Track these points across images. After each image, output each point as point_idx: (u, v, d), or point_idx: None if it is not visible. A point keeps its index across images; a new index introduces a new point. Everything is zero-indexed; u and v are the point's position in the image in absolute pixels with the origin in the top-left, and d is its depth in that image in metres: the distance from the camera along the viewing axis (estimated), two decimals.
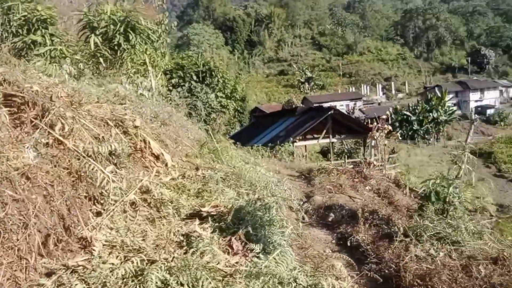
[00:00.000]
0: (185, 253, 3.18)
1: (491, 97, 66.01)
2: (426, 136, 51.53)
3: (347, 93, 68.78)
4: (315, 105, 51.17)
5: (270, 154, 14.04)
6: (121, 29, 9.98)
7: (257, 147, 14.85)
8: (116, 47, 10.33)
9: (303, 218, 5.32)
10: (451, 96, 59.07)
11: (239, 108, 48.56)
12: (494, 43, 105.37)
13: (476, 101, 64.77)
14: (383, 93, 75.56)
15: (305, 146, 24.08)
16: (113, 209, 3.44)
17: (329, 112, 20.98)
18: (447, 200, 4.98)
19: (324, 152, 37.39)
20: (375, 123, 11.22)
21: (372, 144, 11.84)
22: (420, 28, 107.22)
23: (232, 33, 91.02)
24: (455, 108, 57.00)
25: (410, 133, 50.23)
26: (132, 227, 3.45)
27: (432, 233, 4.43)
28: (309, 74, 73.51)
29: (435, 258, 3.95)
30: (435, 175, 5.45)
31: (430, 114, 50.96)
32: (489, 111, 60.80)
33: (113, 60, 10.70)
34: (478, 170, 41.59)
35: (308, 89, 70.97)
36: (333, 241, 5.09)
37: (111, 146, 3.84)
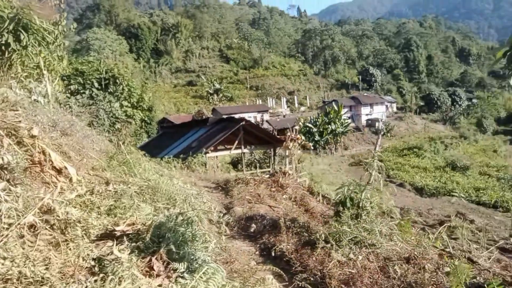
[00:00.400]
0: (101, 281, 2.77)
1: (379, 111, 74.22)
2: (326, 147, 55.55)
3: (254, 105, 70.87)
4: (224, 116, 51.61)
5: (183, 166, 13.57)
6: (10, 27, 8.74)
7: (168, 158, 14.26)
8: (3, 48, 9.02)
9: (225, 231, 5.14)
10: (346, 110, 64.78)
11: (146, 118, 46.48)
12: (380, 64, 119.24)
13: (367, 114, 72.18)
14: (287, 106, 79.64)
15: (216, 157, 23.99)
16: (7, 234, 2.85)
17: (241, 123, 21.21)
18: (361, 205, 5.29)
19: (235, 163, 37.71)
20: (289, 134, 11.65)
21: (286, 154, 12.26)
22: (318, 47, 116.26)
23: (137, 40, 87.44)
24: (349, 121, 62.69)
25: (312, 144, 53.56)
26: (32, 255, 2.91)
27: (350, 238, 4.62)
28: (217, 86, 74.05)
29: (355, 262, 4.11)
30: (349, 182, 5.75)
31: (329, 126, 55.17)
32: (378, 124, 68.26)
33: None
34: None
35: (217, 101, 71.34)
36: (257, 252, 4.99)
37: (2, 158, 3.23)
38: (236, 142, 21.99)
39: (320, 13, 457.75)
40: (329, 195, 8.66)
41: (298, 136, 11.68)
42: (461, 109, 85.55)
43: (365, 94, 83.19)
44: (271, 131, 42.24)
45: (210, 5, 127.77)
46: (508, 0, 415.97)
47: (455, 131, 72.39)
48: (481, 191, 32.49)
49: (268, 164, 34.00)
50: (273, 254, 4.75)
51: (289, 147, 11.29)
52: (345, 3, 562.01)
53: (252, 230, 5.70)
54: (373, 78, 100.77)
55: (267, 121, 58.88)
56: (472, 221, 13.28)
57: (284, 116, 67.91)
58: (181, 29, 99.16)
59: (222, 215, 5.81)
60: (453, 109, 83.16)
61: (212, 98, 72.13)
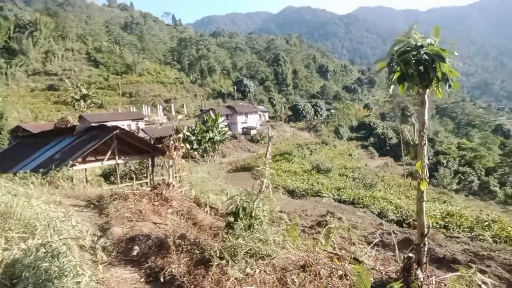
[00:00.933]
0: None
1: (253, 120, 77.91)
2: (205, 155, 55.62)
3: (128, 112, 66.69)
4: (93, 124, 47.04)
5: (44, 182, 11.57)
6: None
7: (24, 173, 12.07)
8: None
9: (102, 258, 4.35)
10: (223, 118, 66.20)
11: None
12: (252, 76, 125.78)
13: (242, 123, 75.03)
14: (164, 114, 77.40)
15: (85, 169, 21.46)
16: None
17: (115, 132, 19.25)
18: (253, 214, 5.13)
19: (106, 175, 34.75)
20: (172, 142, 10.95)
21: (170, 164, 11.45)
22: (194, 57, 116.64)
23: None
24: (226, 129, 64.17)
25: (190, 152, 52.98)
26: None
27: (245, 251, 4.38)
28: (85, 91, 67.29)
29: (253, 276, 3.87)
30: (240, 191, 5.55)
31: (207, 134, 55.47)
32: (252, 132, 71.59)
33: None
34: (250, 182, 47.79)
35: (84, 107, 64.80)
36: (142, 279, 4.32)
37: None
38: (109, 152, 20.00)
39: (195, 23, 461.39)
40: (216, 205, 8.37)
41: (182, 145, 11.09)
42: (322, 118, 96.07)
43: (240, 104, 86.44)
44: (148, 140, 40.20)
45: (76, 4, 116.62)
46: (355, 26, 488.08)
47: (318, 137, 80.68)
48: (342, 190, 36.60)
49: (145, 175, 32.19)
50: (162, 279, 4.17)
51: (173, 157, 10.62)
52: (219, 16, 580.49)
53: (135, 253, 4.98)
54: (247, 89, 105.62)
55: (142, 129, 55.99)
56: (340, 219, 14.67)
57: (161, 125, 65.68)
58: (40, 27, 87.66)
59: (96, 239, 4.96)
60: (315, 118, 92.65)
61: (78, 104, 65.29)
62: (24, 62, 79.47)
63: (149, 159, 24.55)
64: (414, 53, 3.56)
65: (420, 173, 3.80)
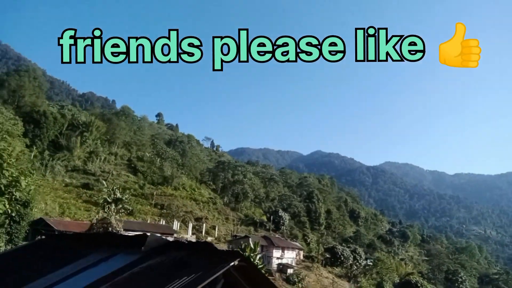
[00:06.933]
0: None
1: (289, 257, 69.41)
2: None
3: (158, 225, 60.91)
4: (122, 231, 41.19)
5: None
6: None
7: None
8: None
9: None
10: (258, 249, 58.69)
11: (14, 214, 34.78)
12: (285, 208, 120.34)
13: (278, 258, 66.65)
14: (193, 233, 70.85)
15: None
16: None
17: (231, 264, 7.60)
18: None
19: None
20: None
21: None
22: (229, 180, 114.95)
23: (37, 127, 75.74)
24: (260, 262, 56.06)
25: None
26: None
27: None
28: (118, 195, 63.37)
29: None
30: None
31: None
32: (289, 270, 62.59)
33: None
34: None
35: (114, 211, 59.86)
36: None
37: None
38: None
39: (229, 151, 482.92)
40: None
41: None
42: (361, 267, 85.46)
43: (277, 236, 79.12)
44: None
45: (130, 115, 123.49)
46: (382, 178, 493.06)
47: None
48: None
49: None
50: None
51: None
52: (252, 148, 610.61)
53: None
54: (281, 221, 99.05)
55: None
56: None
57: None
58: (92, 129, 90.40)
59: None
60: (355, 267, 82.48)
61: (109, 207, 60.56)
62: (67, 158, 79.02)
63: None
64: None
65: None
